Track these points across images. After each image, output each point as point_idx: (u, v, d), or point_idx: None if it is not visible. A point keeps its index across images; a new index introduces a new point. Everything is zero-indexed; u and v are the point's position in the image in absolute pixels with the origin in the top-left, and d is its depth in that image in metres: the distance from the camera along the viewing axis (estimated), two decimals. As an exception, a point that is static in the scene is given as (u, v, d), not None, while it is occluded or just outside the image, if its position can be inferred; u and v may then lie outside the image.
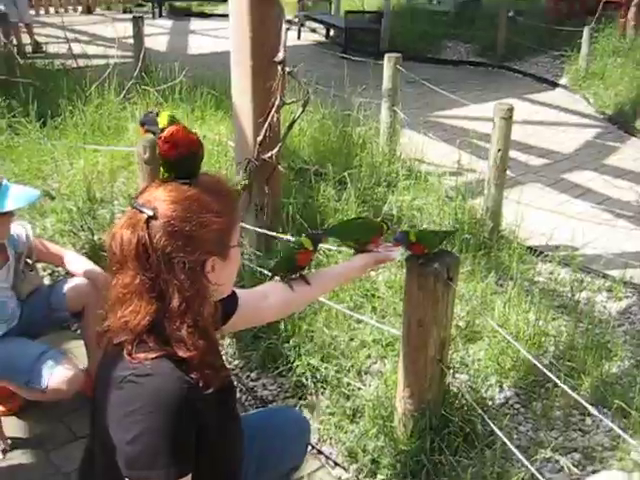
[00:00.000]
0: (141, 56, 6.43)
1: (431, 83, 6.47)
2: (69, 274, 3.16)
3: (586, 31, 9.11)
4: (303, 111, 3.53)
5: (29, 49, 9.30)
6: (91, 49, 8.01)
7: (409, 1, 13.50)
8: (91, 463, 1.53)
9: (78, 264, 2.95)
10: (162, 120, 1.46)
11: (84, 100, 5.55)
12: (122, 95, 5.73)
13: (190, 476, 1.38)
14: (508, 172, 4.33)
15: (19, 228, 2.86)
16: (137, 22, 7.18)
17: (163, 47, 10.69)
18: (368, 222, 2.36)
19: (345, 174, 4.47)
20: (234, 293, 1.77)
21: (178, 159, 1.48)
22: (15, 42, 8.69)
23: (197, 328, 1.38)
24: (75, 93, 5.62)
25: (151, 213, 1.36)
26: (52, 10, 13.91)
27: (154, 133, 1.46)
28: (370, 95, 5.90)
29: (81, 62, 6.60)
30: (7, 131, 5.16)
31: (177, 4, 14.74)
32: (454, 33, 11.77)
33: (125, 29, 7.24)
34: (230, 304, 1.72)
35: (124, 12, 13.98)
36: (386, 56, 5.24)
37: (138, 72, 6.15)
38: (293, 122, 3.57)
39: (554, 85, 9.49)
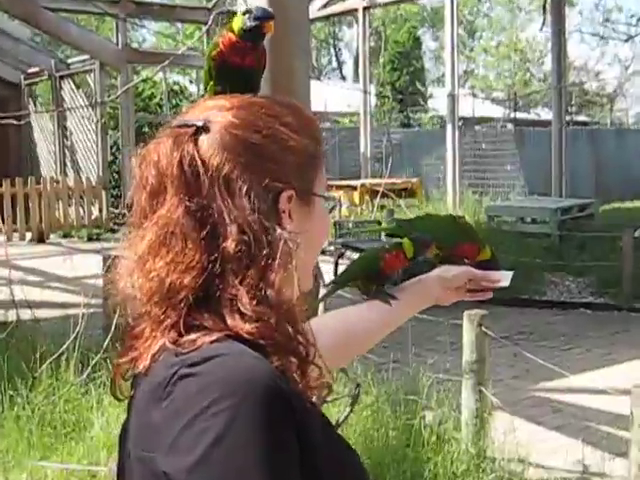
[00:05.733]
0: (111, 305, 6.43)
1: (532, 339, 6.46)
2: None
3: None
4: (352, 410, 3.47)
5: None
6: (44, 294, 8.16)
7: (490, 221, 13.98)
8: None
9: None
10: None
11: (30, 382, 5.57)
12: (85, 374, 5.75)
13: None
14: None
15: None
16: (108, 259, 7.26)
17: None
18: (460, 222, 2.34)
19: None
20: None
21: (242, 67, 1.74)
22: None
23: (260, 292, 1.21)
24: (17, 372, 5.65)
25: (200, 123, 1.30)
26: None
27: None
28: (443, 359, 5.85)
29: (27, 314, 6.65)
30: None
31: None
32: (559, 264, 12.04)
33: (91, 265, 7.33)
34: None
35: (89, 240, 14.63)
36: (465, 314, 5.20)
37: (109, 341, 6.20)
38: (338, 425, 3.49)
39: None
